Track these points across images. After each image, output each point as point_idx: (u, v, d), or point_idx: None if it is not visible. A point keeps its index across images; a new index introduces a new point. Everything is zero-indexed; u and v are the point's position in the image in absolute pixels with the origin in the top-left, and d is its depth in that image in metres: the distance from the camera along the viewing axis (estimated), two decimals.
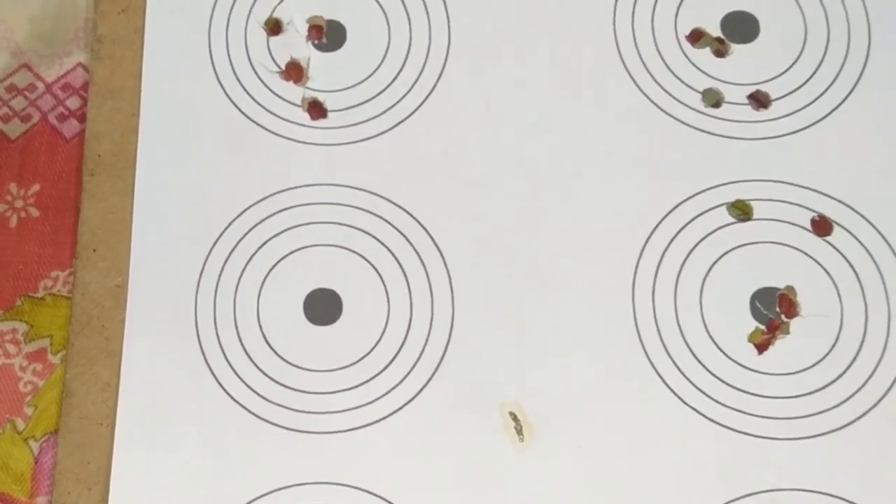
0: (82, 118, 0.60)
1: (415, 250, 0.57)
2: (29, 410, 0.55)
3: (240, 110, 0.60)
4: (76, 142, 0.60)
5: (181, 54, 0.61)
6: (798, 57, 0.60)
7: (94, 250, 0.57)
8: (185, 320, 0.56)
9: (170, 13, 0.61)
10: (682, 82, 0.60)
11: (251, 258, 0.57)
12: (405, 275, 0.57)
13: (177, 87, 0.60)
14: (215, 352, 0.55)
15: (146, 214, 0.58)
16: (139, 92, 0.60)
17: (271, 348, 0.56)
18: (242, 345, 0.56)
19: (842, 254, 0.56)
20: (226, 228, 0.57)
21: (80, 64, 0.62)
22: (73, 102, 0.61)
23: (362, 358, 0.55)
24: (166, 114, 0.59)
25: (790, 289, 0.55)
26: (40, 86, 0.61)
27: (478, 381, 0.55)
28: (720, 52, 0.60)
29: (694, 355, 0.55)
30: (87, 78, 0.61)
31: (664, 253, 0.56)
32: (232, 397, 0.55)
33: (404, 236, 0.57)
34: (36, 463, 0.55)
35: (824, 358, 0.54)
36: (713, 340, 0.55)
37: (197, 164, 0.59)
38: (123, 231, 0.57)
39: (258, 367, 0.55)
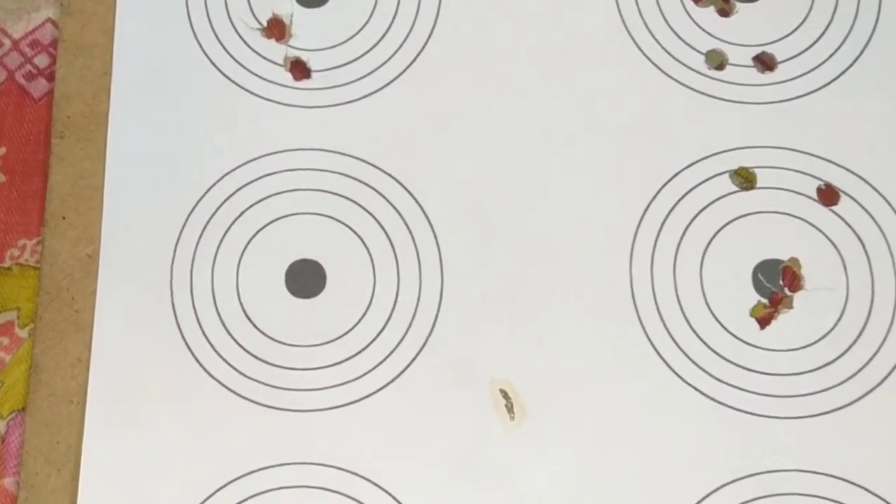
0: (51, 77, 0.58)
1: (403, 220, 0.55)
2: None
3: (218, 69, 0.57)
4: (44, 102, 0.57)
5: (156, 9, 0.58)
6: (806, 17, 0.58)
7: (64, 218, 0.55)
8: (159, 292, 0.54)
9: None
10: (685, 43, 0.57)
11: (230, 227, 0.55)
12: (392, 245, 0.54)
13: (151, 45, 0.58)
14: (192, 325, 0.53)
15: (119, 180, 0.55)
16: (111, 49, 0.57)
17: (251, 322, 0.53)
18: (220, 318, 0.53)
19: (849, 224, 0.54)
20: (203, 195, 0.55)
21: (48, 19, 0.59)
22: (42, 60, 0.58)
23: (346, 333, 0.53)
24: (140, 73, 0.57)
25: (794, 261, 0.53)
26: (6, 42, 0.58)
27: (467, 357, 0.53)
28: (725, 11, 0.57)
29: (693, 331, 0.53)
30: (56, 34, 0.58)
31: (663, 223, 0.54)
32: (209, 373, 0.52)
33: (392, 205, 0.55)
34: (2, 442, 0.53)
35: (829, 333, 0.53)
36: (713, 315, 0.53)
37: (173, 127, 0.56)
38: (94, 197, 0.55)
39: (237, 342, 0.53)
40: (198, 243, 0.54)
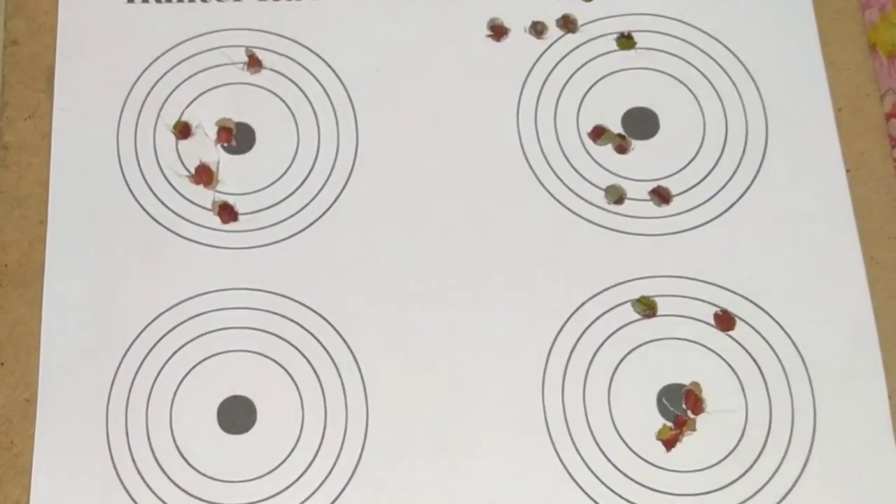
0: None
1: (328, 354, 0.57)
2: None
3: (150, 215, 0.59)
4: None
5: (89, 160, 0.60)
6: (698, 151, 0.61)
7: (2, 364, 0.56)
8: (96, 434, 0.55)
9: (77, 119, 0.61)
10: (586, 179, 0.60)
11: (163, 366, 0.57)
12: (319, 379, 0.57)
13: (85, 194, 0.60)
14: (128, 466, 0.55)
15: (55, 325, 0.57)
16: (47, 199, 0.59)
17: (185, 460, 0.55)
18: (155, 458, 0.55)
19: (745, 349, 0.57)
20: (137, 337, 0.57)
21: None
22: None
23: (277, 466, 0.55)
24: (75, 221, 0.59)
25: (696, 385, 0.56)
26: None
27: (394, 487, 0.55)
28: (622, 148, 0.61)
29: (604, 454, 0.55)
30: None
31: (572, 352, 0.57)
32: None
33: (317, 340, 0.57)
34: None
35: (731, 453, 0.55)
36: (622, 438, 0.56)
37: (107, 272, 0.58)
38: (32, 343, 0.57)
39: (172, 481, 0.55)
40: (132, 384, 0.56)
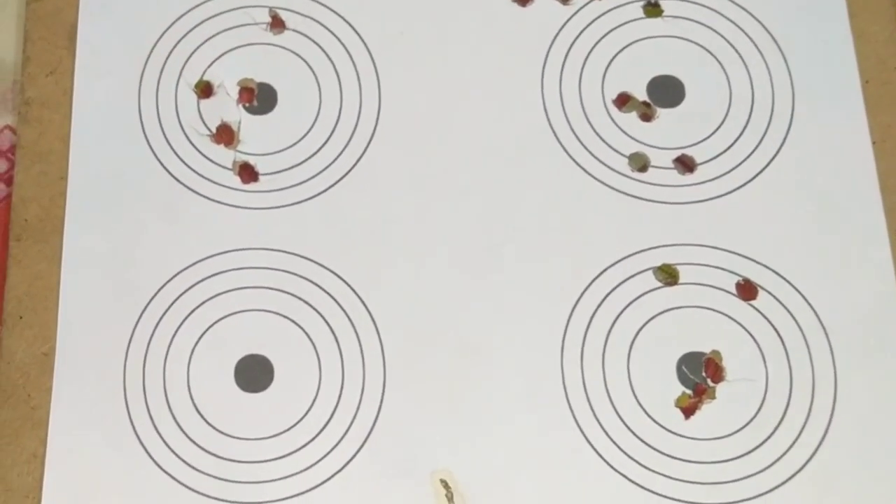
0: (9, 182, 0.60)
1: (347, 315, 0.57)
2: None
3: (170, 174, 0.60)
4: (3, 206, 0.59)
5: (110, 117, 0.60)
6: (723, 121, 0.61)
7: (21, 317, 0.57)
8: (113, 389, 0.55)
9: (99, 76, 0.61)
10: (609, 146, 0.60)
11: (181, 324, 0.57)
12: (337, 340, 0.57)
13: (106, 151, 0.60)
14: (145, 421, 0.55)
15: (74, 281, 0.57)
16: (68, 155, 0.59)
17: (202, 417, 0.55)
18: (172, 413, 0.55)
19: (767, 318, 0.57)
20: (155, 294, 0.57)
21: (7, 126, 0.61)
22: (0, 165, 0.60)
23: (293, 426, 0.55)
24: (95, 177, 0.59)
25: (716, 353, 0.56)
26: None
27: (409, 448, 0.55)
28: (647, 116, 0.61)
29: (622, 421, 0.55)
30: (14, 141, 0.61)
31: (591, 319, 0.57)
32: (161, 468, 0.54)
33: (336, 301, 0.57)
34: None
35: (750, 422, 0.55)
36: (641, 406, 0.55)
37: (126, 229, 0.58)
38: (51, 297, 0.57)
39: (188, 437, 0.55)
40: (150, 341, 0.56)
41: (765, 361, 0.56)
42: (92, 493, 0.54)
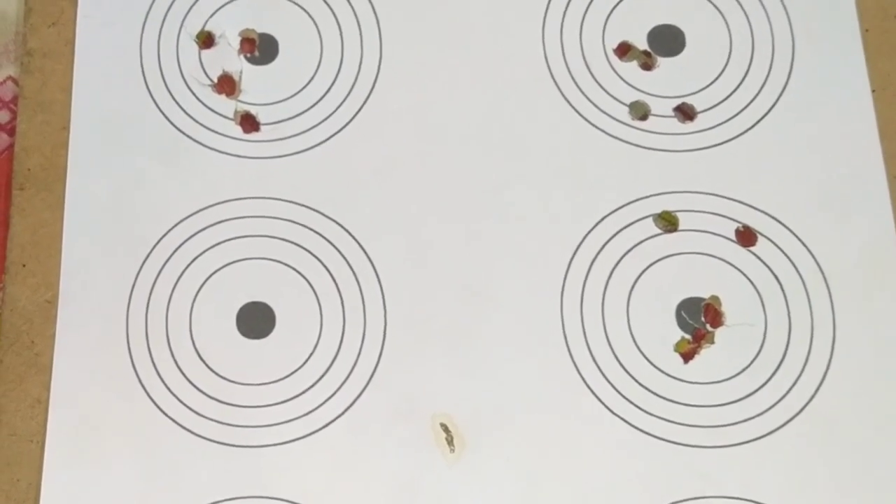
0: (12, 132, 0.60)
1: (347, 263, 0.57)
2: None
3: (172, 123, 0.60)
4: (6, 156, 0.60)
5: (112, 67, 0.61)
6: (723, 69, 0.61)
7: (24, 265, 0.57)
8: (116, 336, 0.56)
9: (101, 26, 0.61)
10: (610, 95, 0.60)
11: (183, 272, 0.57)
12: (338, 287, 0.57)
13: (108, 101, 0.60)
14: (147, 367, 0.55)
15: (77, 229, 0.58)
16: (70, 105, 0.60)
17: (204, 363, 0.56)
18: (175, 359, 0.56)
19: (766, 264, 0.57)
20: (158, 242, 0.57)
21: (10, 77, 0.61)
22: (3, 116, 0.61)
23: (295, 371, 0.56)
24: (97, 127, 0.59)
25: (715, 298, 0.56)
26: None
27: (410, 393, 0.55)
28: (647, 66, 0.61)
29: (621, 365, 0.56)
30: (17, 91, 0.61)
31: (592, 264, 0.57)
32: (164, 412, 0.55)
33: (337, 249, 0.58)
34: None
35: (749, 366, 0.55)
36: (640, 350, 0.56)
37: (128, 178, 0.59)
38: (54, 246, 0.57)
39: (191, 382, 0.55)
40: (152, 288, 0.57)
41: (763, 306, 0.56)
42: (95, 437, 0.54)
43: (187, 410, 0.55)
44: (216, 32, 0.61)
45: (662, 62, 0.61)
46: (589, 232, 0.58)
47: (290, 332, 0.56)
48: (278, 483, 0.53)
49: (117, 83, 0.60)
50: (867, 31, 0.61)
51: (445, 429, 0.54)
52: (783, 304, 0.56)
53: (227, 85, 0.61)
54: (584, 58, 0.61)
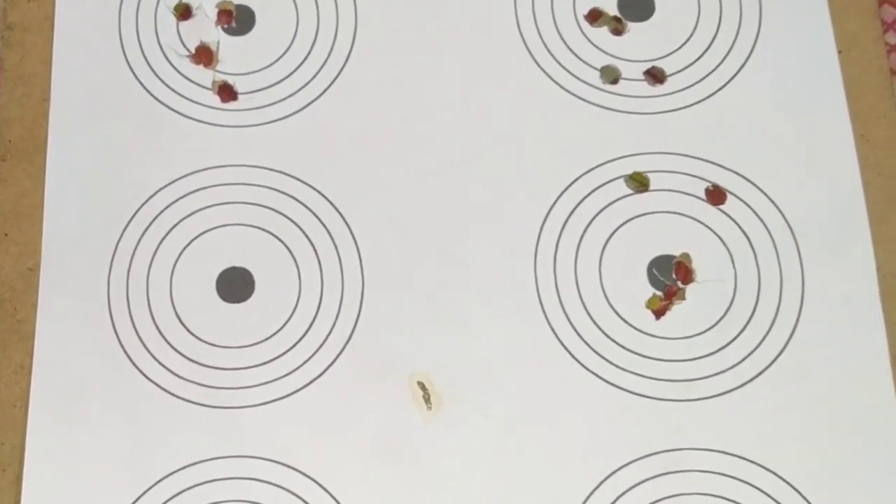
0: None
1: (325, 228, 0.58)
2: None
3: (151, 94, 0.61)
4: None
5: (91, 40, 0.62)
6: (692, 34, 0.62)
7: (6, 234, 0.58)
8: (97, 302, 0.57)
9: (79, 0, 0.62)
10: (581, 60, 0.61)
11: (163, 239, 0.58)
12: (316, 252, 0.58)
13: (87, 73, 0.61)
14: (128, 332, 0.56)
15: (58, 198, 0.58)
16: (50, 78, 0.61)
17: (184, 326, 0.56)
18: (156, 324, 0.56)
19: (735, 222, 0.58)
20: (138, 210, 0.58)
21: None
22: None
23: (275, 334, 0.56)
24: (77, 99, 0.60)
25: (685, 256, 0.57)
26: None
27: (388, 353, 0.56)
28: (617, 31, 0.62)
29: (595, 323, 0.56)
30: None
31: (564, 225, 0.58)
32: (146, 376, 0.55)
33: (314, 214, 0.58)
34: None
35: (719, 321, 0.56)
36: (613, 308, 0.57)
37: (108, 148, 0.59)
38: (35, 215, 0.58)
39: (171, 346, 0.56)
40: (133, 255, 0.58)
41: (733, 263, 0.57)
42: (78, 402, 0.55)
43: (169, 374, 0.56)
44: (193, 4, 0.62)
45: (632, 27, 0.62)
46: (562, 193, 0.58)
47: (269, 296, 0.57)
48: (259, 443, 0.54)
49: (96, 55, 0.61)
50: None
51: (423, 387, 0.55)
52: (752, 260, 0.57)
53: (204, 55, 0.61)
54: (555, 24, 0.62)
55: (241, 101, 0.60)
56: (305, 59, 0.61)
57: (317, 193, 0.59)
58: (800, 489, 0.54)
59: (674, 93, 0.60)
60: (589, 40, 0.62)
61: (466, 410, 0.55)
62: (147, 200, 0.58)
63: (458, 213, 0.58)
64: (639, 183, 0.58)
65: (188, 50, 0.61)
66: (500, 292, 0.57)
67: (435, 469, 0.54)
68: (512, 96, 0.60)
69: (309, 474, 0.54)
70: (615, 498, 0.54)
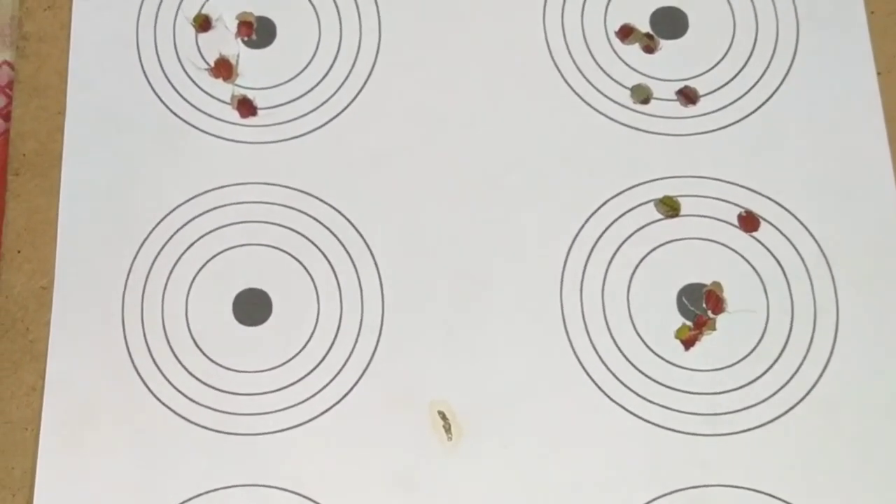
0: (7, 117, 0.60)
1: (345, 249, 0.57)
2: None
3: (168, 108, 0.59)
4: (1, 141, 0.59)
5: (108, 51, 0.60)
6: (726, 53, 0.60)
7: (19, 251, 0.57)
8: (111, 322, 0.55)
9: (96, 9, 0.61)
10: (612, 79, 0.60)
11: (179, 258, 0.57)
12: (335, 274, 0.57)
13: (103, 85, 0.60)
14: (142, 354, 0.55)
15: (72, 215, 0.57)
16: (65, 90, 0.59)
17: (200, 350, 0.55)
18: (170, 346, 0.55)
19: (768, 249, 0.56)
20: (153, 228, 0.57)
21: (5, 61, 0.61)
22: None
23: (292, 358, 0.55)
24: (93, 112, 0.59)
25: (717, 285, 0.56)
26: None
27: (407, 380, 0.55)
28: (649, 48, 0.60)
29: (621, 352, 0.55)
30: (12, 75, 0.60)
31: (592, 250, 0.57)
32: (159, 400, 0.54)
33: (334, 235, 0.57)
34: None
35: (750, 354, 0.55)
36: (640, 337, 0.55)
37: (124, 163, 0.58)
38: (49, 232, 0.57)
39: (186, 370, 0.55)
40: (148, 274, 0.56)
41: (766, 292, 0.56)
42: (90, 425, 0.54)
43: (183, 398, 0.54)
44: (213, 16, 0.61)
45: (665, 45, 0.60)
46: (589, 217, 0.57)
47: (286, 319, 0.56)
48: (274, 471, 0.53)
49: (113, 67, 0.60)
50: (872, 13, 0.60)
51: (443, 416, 0.54)
52: (786, 290, 0.56)
53: (224, 69, 0.60)
54: (585, 41, 0.60)
55: (261, 117, 0.59)
56: (327, 73, 0.60)
57: (337, 213, 0.57)
58: None
59: (707, 114, 0.59)
60: (619, 58, 0.60)
61: (487, 441, 0.53)
62: (163, 218, 0.57)
63: (482, 236, 0.57)
64: (669, 207, 0.57)
65: (207, 63, 0.60)
66: (525, 319, 0.55)
67: (454, 501, 0.53)
68: (539, 115, 0.59)
69: None
70: None
